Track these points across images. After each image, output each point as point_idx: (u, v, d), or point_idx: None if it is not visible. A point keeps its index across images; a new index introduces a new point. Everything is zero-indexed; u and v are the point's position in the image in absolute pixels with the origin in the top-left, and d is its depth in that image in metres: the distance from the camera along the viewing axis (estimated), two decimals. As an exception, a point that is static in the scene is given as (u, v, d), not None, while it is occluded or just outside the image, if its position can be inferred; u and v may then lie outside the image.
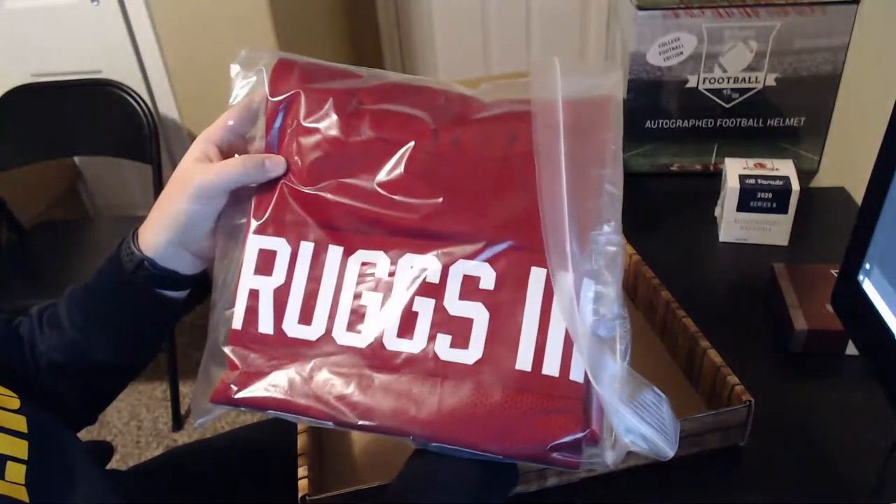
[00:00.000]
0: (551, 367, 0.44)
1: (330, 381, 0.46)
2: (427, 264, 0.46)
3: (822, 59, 0.95)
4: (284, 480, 0.58)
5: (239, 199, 0.50)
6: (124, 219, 1.75)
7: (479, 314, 0.45)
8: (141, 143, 1.54)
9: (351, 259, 0.47)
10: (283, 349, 0.47)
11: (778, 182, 0.84)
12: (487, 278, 0.46)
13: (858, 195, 0.94)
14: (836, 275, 0.62)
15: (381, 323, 0.46)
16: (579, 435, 0.42)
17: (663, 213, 0.97)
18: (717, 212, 0.93)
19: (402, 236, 0.47)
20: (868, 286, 0.55)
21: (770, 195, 0.84)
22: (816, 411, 0.65)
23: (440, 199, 0.47)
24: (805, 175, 1.03)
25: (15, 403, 0.46)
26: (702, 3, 0.93)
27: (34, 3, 1.58)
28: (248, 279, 0.48)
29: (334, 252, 0.48)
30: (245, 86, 0.50)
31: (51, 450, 0.45)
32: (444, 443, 0.44)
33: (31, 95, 1.57)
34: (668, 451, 0.42)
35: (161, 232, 0.49)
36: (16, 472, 0.42)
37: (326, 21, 2.01)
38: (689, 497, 0.59)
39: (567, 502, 0.59)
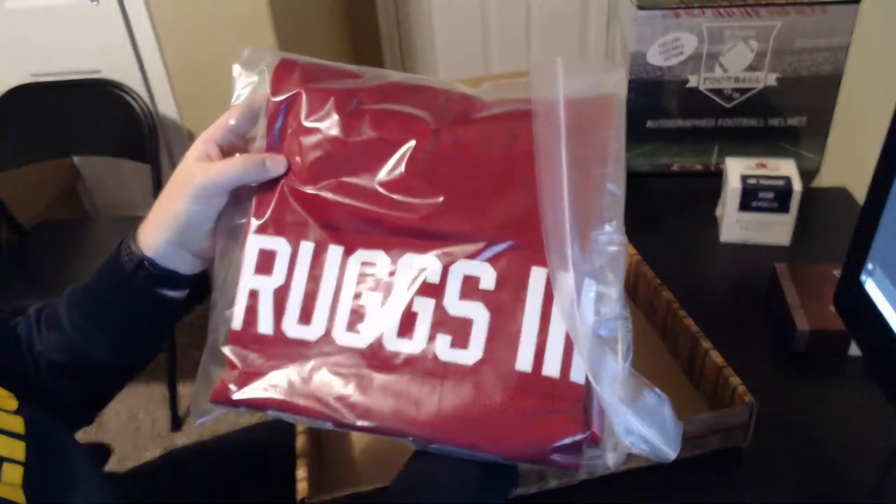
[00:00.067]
0: (552, 368, 0.43)
1: (329, 382, 0.45)
2: (427, 264, 0.46)
3: (823, 59, 0.95)
4: (284, 481, 0.58)
5: (239, 198, 0.50)
6: (124, 219, 1.75)
7: (479, 314, 0.45)
8: (140, 142, 1.53)
9: (351, 259, 0.47)
10: (283, 349, 0.47)
11: (779, 182, 0.84)
12: (488, 278, 0.45)
13: (860, 195, 0.94)
14: (838, 275, 0.61)
15: (380, 323, 0.46)
16: (580, 436, 0.42)
17: (664, 213, 0.97)
18: (718, 212, 0.93)
19: (402, 236, 0.47)
20: (870, 286, 0.55)
21: (771, 195, 0.84)
22: (818, 412, 0.65)
23: (440, 199, 0.47)
24: (806, 175, 1.02)
25: (13, 404, 0.45)
26: (702, 2, 0.93)
27: (34, 3, 1.58)
28: (247, 279, 0.48)
29: (334, 252, 0.48)
30: (247, 86, 0.50)
31: (49, 451, 0.45)
32: (444, 444, 0.44)
33: (31, 95, 1.57)
34: (670, 453, 0.42)
35: (161, 231, 0.49)
36: (13, 474, 0.42)
37: (326, 21, 2.01)
38: (690, 498, 0.59)
39: (568, 503, 0.58)
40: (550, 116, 0.44)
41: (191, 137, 1.71)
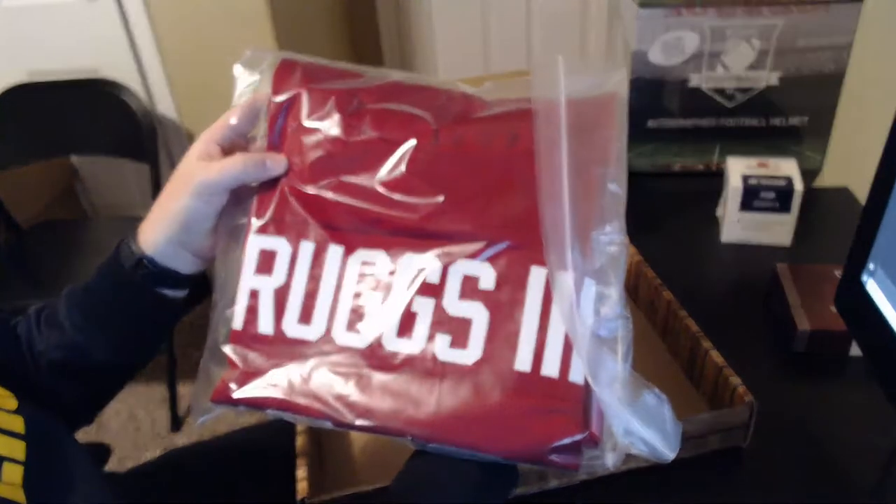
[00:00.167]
0: (550, 368, 0.43)
1: (329, 381, 0.45)
2: (427, 264, 0.46)
3: (826, 58, 0.95)
4: (284, 481, 0.57)
5: (240, 198, 0.50)
6: (122, 218, 1.74)
7: (478, 314, 0.45)
8: (139, 142, 1.53)
9: (351, 258, 0.47)
10: (283, 349, 0.47)
11: (781, 182, 0.84)
12: (487, 278, 0.45)
13: (862, 195, 0.94)
14: (839, 275, 0.61)
15: (380, 322, 0.46)
16: (578, 437, 0.42)
17: (665, 213, 0.97)
18: (719, 212, 0.93)
19: (402, 236, 0.47)
20: (872, 286, 0.55)
21: (773, 195, 0.84)
22: (818, 412, 0.65)
23: (441, 198, 0.47)
24: (808, 175, 1.02)
25: (12, 404, 0.45)
26: (704, 1, 0.93)
27: (31, 2, 1.57)
28: (248, 279, 0.48)
29: (335, 251, 0.48)
30: (248, 85, 0.51)
31: (49, 450, 0.45)
32: (442, 443, 0.44)
33: (29, 95, 1.57)
34: (669, 454, 0.42)
35: (161, 229, 0.49)
36: (13, 473, 0.41)
37: (326, 21, 2.01)
38: (690, 498, 0.59)
39: (568, 503, 0.58)
40: (551, 116, 0.44)
41: (189, 137, 1.71)
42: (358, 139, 0.48)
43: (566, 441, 0.42)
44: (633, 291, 0.79)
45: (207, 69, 1.60)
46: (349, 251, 0.47)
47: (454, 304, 0.45)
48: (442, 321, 0.45)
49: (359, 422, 0.44)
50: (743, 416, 0.59)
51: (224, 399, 0.47)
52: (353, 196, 0.48)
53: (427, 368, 0.44)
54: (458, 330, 0.45)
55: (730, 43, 0.95)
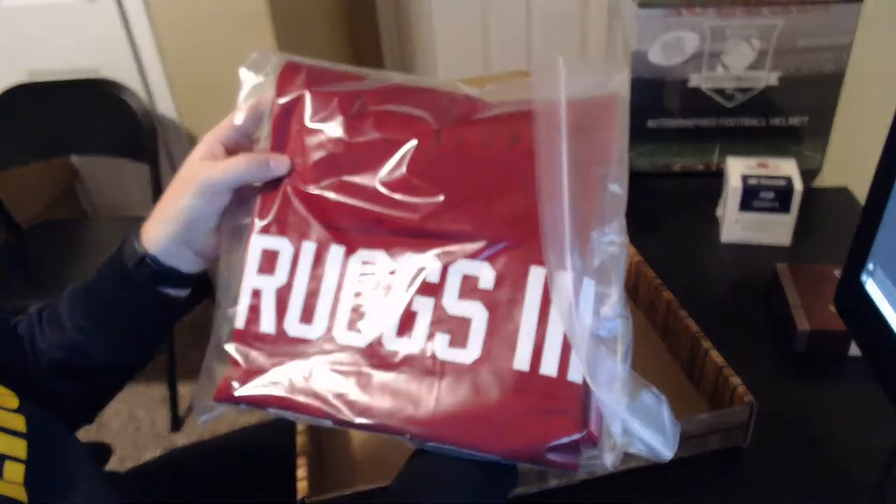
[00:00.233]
0: (549, 368, 0.43)
1: (329, 379, 0.46)
2: (427, 263, 0.46)
3: (826, 58, 0.95)
4: (284, 481, 0.58)
5: (243, 199, 0.50)
6: (122, 218, 1.75)
7: (477, 313, 0.45)
8: (139, 142, 1.53)
9: (352, 258, 0.48)
10: (285, 347, 0.47)
11: (780, 182, 0.84)
12: (487, 277, 0.45)
13: (862, 195, 0.94)
14: (838, 275, 0.61)
15: (380, 322, 0.46)
16: (576, 436, 0.42)
17: (665, 213, 0.97)
18: (718, 212, 0.93)
19: (403, 236, 0.47)
20: (871, 287, 0.55)
21: (772, 195, 0.84)
22: (818, 412, 0.65)
23: (441, 198, 0.47)
24: (808, 175, 1.02)
25: (13, 402, 0.45)
26: (704, 1, 0.93)
27: (30, 1, 1.57)
28: (251, 278, 0.48)
29: (336, 251, 0.48)
30: (252, 87, 0.51)
31: (50, 449, 0.45)
32: (441, 442, 0.44)
33: (28, 95, 1.57)
34: (667, 453, 0.42)
35: (164, 228, 0.49)
36: (15, 471, 0.42)
37: (326, 21, 2.01)
38: (690, 498, 0.59)
39: (568, 503, 0.58)
40: (552, 116, 0.44)
41: (189, 137, 1.71)
42: (360, 140, 0.49)
43: (564, 440, 0.42)
44: (633, 291, 0.79)
45: (207, 69, 1.60)
46: (350, 251, 0.48)
47: (454, 304, 0.45)
48: (441, 320, 0.45)
49: (358, 420, 0.44)
50: (743, 416, 0.59)
51: (226, 397, 0.47)
52: (354, 196, 0.48)
53: (426, 367, 0.45)
54: (457, 329, 0.45)
55: (730, 43, 0.95)
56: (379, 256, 0.47)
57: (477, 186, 0.47)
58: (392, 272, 0.47)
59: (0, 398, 0.45)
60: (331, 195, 0.48)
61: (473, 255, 0.46)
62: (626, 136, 0.45)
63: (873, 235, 0.54)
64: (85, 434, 0.52)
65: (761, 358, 0.72)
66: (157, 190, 1.53)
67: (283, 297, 0.48)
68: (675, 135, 1.04)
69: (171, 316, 0.55)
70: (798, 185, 0.83)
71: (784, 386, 0.68)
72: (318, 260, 0.48)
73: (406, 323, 0.46)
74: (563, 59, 0.44)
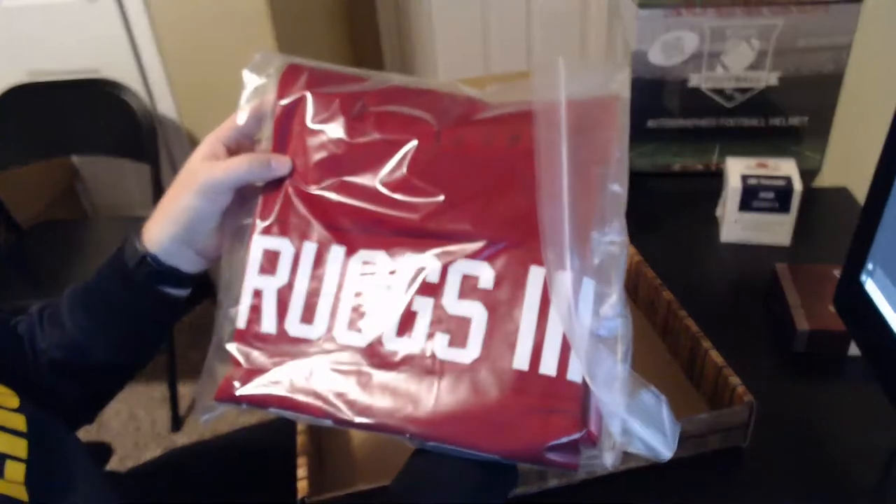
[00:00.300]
0: (548, 367, 0.43)
1: (329, 379, 0.46)
2: (427, 263, 0.46)
3: (825, 58, 0.95)
4: (284, 481, 0.58)
5: (244, 199, 0.50)
6: (123, 218, 1.74)
7: (477, 313, 0.45)
8: (139, 142, 1.53)
9: (352, 258, 0.48)
10: (286, 347, 0.47)
11: (780, 182, 0.84)
12: (486, 277, 0.45)
13: (861, 195, 0.94)
14: (838, 275, 0.61)
15: (380, 321, 0.46)
16: (576, 436, 0.42)
17: (665, 213, 0.97)
18: (718, 212, 0.93)
19: (403, 236, 0.47)
20: (871, 286, 0.55)
21: (772, 195, 0.84)
22: (818, 412, 0.65)
23: (441, 198, 0.47)
24: (807, 175, 1.02)
25: (14, 402, 0.46)
26: (704, 1, 0.93)
27: (31, 2, 1.57)
28: (252, 279, 0.49)
29: (336, 252, 0.48)
30: (255, 89, 0.51)
31: (50, 449, 0.45)
32: (440, 441, 0.44)
33: (29, 95, 1.57)
34: (666, 453, 0.42)
35: (166, 228, 0.50)
36: (15, 470, 0.42)
37: (326, 21, 2.01)
38: (690, 498, 0.59)
39: (568, 503, 0.58)
40: (552, 117, 0.44)
41: (190, 137, 1.71)
42: (361, 141, 0.49)
43: (564, 440, 0.42)
44: (633, 291, 0.79)
45: (208, 69, 1.61)
46: (351, 251, 0.48)
47: (453, 304, 0.45)
48: (441, 320, 0.45)
49: (358, 419, 0.45)
50: (742, 416, 0.59)
51: (228, 397, 0.47)
52: (355, 197, 0.48)
53: (426, 367, 0.45)
54: (456, 329, 0.45)
55: (729, 43, 0.95)
56: (379, 256, 0.47)
57: (477, 186, 0.47)
58: (392, 272, 0.47)
59: (1, 398, 0.45)
60: (332, 195, 0.49)
61: (473, 255, 0.46)
62: (626, 136, 0.45)
63: (873, 235, 0.54)
64: (85, 434, 0.52)
65: (761, 358, 0.72)
66: (158, 190, 1.53)
67: (283, 297, 0.48)
68: (674, 135, 1.04)
69: (172, 316, 0.55)
70: (797, 185, 0.83)
71: (784, 386, 0.68)
72: (319, 260, 0.48)
73: (406, 323, 0.46)
74: (563, 59, 0.44)
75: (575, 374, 0.43)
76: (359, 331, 0.46)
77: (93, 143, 1.60)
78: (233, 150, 0.51)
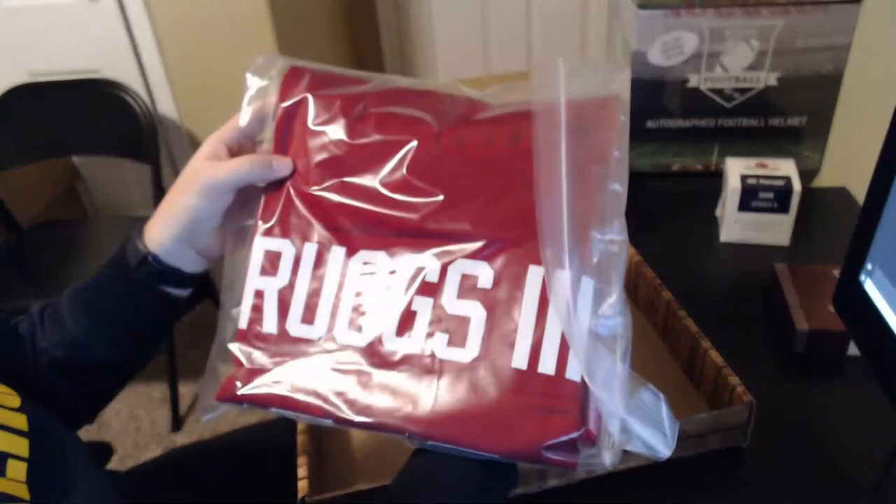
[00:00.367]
0: (547, 366, 0.43)
1: (330, 378, 0.46)
2: (426, 263, 0.46)
3: (824, 59, 0.95)
4: (284, 481, 0.58)
5: (246, 200, 0.51)
6: (123, 218, 1.75)
7: (476, 312, 0.45)
8: (140, 142, 1.53)
9: (353, 259, 0.48)
10: (287, 347, 0.48)
11: (779, 182, 0.84)
12: (485, 277, 0.46)
13: (860, 195, 0.94)
14: (837, 275, 0.61)
15: (380, 321, 0.46)
16: (574, 435, 0.42)
17: (664, 213, 0.97)
18: (718, 212, 0.93)
19: (403, 236, 0.47)
20: (870, 286, 0.55)
21: (771, 195, 0.84)
22: (818, 412, 0.65)
23: (440, 198, 0.47)
24: (806, 175, 1.03)
25: (15, 402, 0.46)
26: (703, 2, 0.93)
27: (32, 2, 1.58)
28: (253, 279, 0.49)
29: (337, 252, 0.48)
30: (257, 90, 0.52)
31: (51, 448, 0.45)
32: (439, 441, 0.44)
33: (30, 95, 1.57)
34: (665, 451, 0.42)
35: (167, 227, 0.50)
36: (17, 469, 0.42)
37: (326, 21, 2.01)
38: (690, 498, 0.59)
39: (567, 503, 0.59)
40: (551, 117, 0.44)
41: (190, 137, 1.71)
42: (361, 142, 0.49)
43: (562, 439, 0.42)
44: (633, 291, 0.79)
45: (208, 69, 1.61)
46: (351, 252, 0.48)
47: (452, 303, 0.46)
48: (440, 319, 0.45)
49: (358, 418, 0.45)
50: (742, 416, 0.59)
51: (229, 397, 0.48)
52: (355, 197, 0.48)
53: (425, 366, 0.45)
54: (456, 328, 0.45)
55: (729, 43, 0.96)
56: (379, 257, 0.47)
57: (477, 186, 0.47)
58: (392, 272, 0.47)
59: (1, 397, 0.45)
60: (332, 196, 0.49)
61: (472, 255, 0.46)
62: (626, 136, 0.45)
63: (872, 235, 0.54)
64: (86, 433, 0.52)
65: (761, 358, 0.72)
66: (158, 190, 1.54)
67: (285, 297, 0.48)
68: (674, 135, 1.04)
69: (172, 315, 0.56)
70: (797, 186, 0.83)
71: (783, 386, 0.68)
72: (320, 260, 0.48)
73: (406, 322, 0.46)
74: (563, 59, 0.45)
75: (574, 373, 0.43)
76: (359, 330, 0.47)
77: (93, 143, 1.61)
78: (234, 151, 0.51)
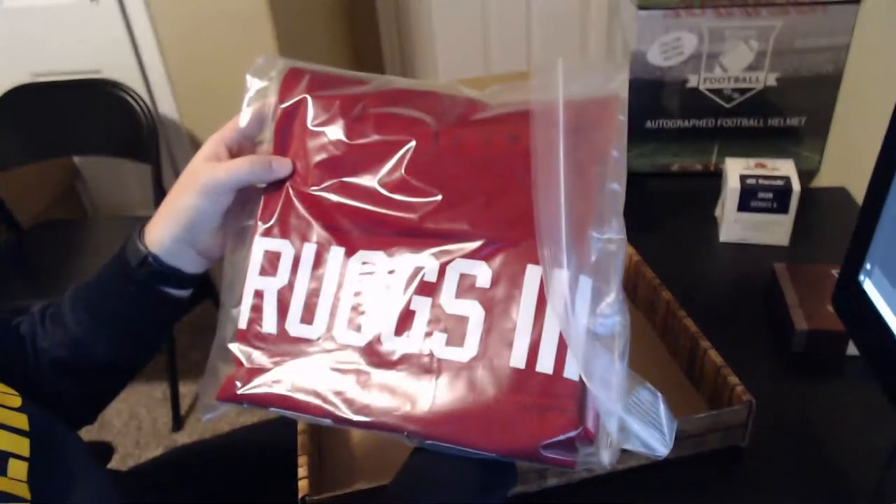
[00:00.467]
0: (545, 365, 0.43)
1: (329, 378, 0.46)
2: (425, 263, 0.47)
3: (824, 59, 0.95)
4: (284, 481, 0.58)
5: (246, 200, 0.51)
6: (123, 219, 1.75)
7: (474, 312, 0.45)
8: (140, 142, 1.53)
9: (352, 259, 0.48)
10: (286, 347, 0.48)
11: (778, 182, 0.84)
12: (483, 276, 0.46)
13: (859, 195, 0.94)
14: (836, 275, 0.62)
15: (379, 321, 0.46)
16: (572, 433, 0.42)
17: (664, 213, 0.97)
18: (717, 212, 0.93)
19: (402, 235, 0.47)
20: (869, 286, 0.55)
21: (771, 195, 0.84)
22: (817, 412, 0.65)
23: (439, 198, 0.47)
24: (806, 175, 1.03)
25: (16, 401, 0.46)
26: (703, 2, 0.93)
27: (33, 3, 1.58)
28: (253, 280, 0.49)
29: (336, 252, 0.48)
30: (257, 91, 0.52)
31: (52, 448, 0.46)
32: (438, 440, 0.44)
33: (31, 95, 1.57)
34: (663, 450, 0.42)
35: (167, 228, 0.50)
36: (18, 469, 0.42)
37: (326, 21, 2.01)
38: (689, 497, 0.59)
39: (567, 502, 0.59)
40: (549, 116, 0.44)
41: (190, 137, 1.71)
42: (360, 142, 0.49)
43: (560, 437, 0.42)
44: (632, 291, 0.79)
45: (208, 69, 1.61)
46: (350, 252, 0.48)
47: (451, 302, 0.46)
48: (439, 319, 0.46)
49: (357, 418, 0.45)
50: (741, 416, 0.59)
51: (229, 397, 0.48)
52: (354, 197, 0.49)
53: (424, 365, 0.45)
54: (454, 327, 0.45)
55: (728, 44, 0.96)
56: (378, 256, 0.48)
57: (475, 186, 0.47)
58: (391, 272, 0.47)
59: (2, 397, 0.45)
60: (332, 196, 0.49)
61: (471, 255, 0.46)
62: (624, 136, 0.45)
63: (871, 235, 0.54)
64: (87, 433, 0.53)
65: (760, 357, 0.72)
66: (159, 190, 1.54)
67: (284, 297, 0.48)
68: (673, 135, 1.04)
69: (172, 316, 0.56)
70: (796, 186, 0.83)
71: (783, 385, 0.69)
72: (319, 261, 0.48)
73: (404, 322, 0.46)
74: (562, 59, 0.45)
75: (572, 371, 0.43)
76: (358, 330, 0.47)
77: (94, 143, 1.61)
78: (234, 151, 0.51)
